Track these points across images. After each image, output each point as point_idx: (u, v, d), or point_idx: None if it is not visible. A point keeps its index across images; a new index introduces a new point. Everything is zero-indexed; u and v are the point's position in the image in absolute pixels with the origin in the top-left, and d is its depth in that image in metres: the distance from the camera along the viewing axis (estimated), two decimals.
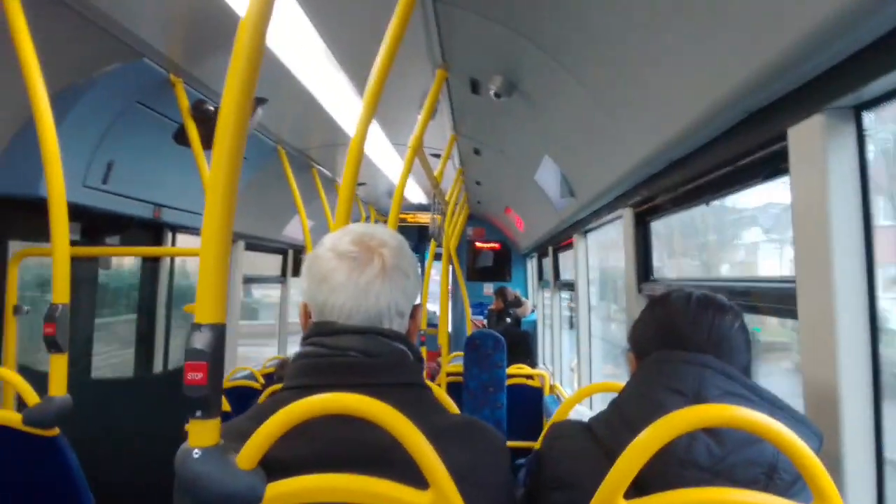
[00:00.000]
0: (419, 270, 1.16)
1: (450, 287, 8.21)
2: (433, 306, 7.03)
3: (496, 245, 8.59)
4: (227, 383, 4.53)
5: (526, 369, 5.11)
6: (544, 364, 6.84)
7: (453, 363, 5.15)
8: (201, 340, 0.95)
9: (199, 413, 0.95)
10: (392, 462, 0.94)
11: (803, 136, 1.28)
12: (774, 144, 1.43)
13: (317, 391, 0.94)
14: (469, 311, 6.39)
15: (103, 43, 2.50)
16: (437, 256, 5.82)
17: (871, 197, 1.21)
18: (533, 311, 7.12)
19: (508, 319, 6.50)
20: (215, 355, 0.95)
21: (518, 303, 6.63)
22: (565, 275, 5.64)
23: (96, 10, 2.28)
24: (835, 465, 1.20)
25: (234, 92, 0.98)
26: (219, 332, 0.96)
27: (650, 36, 1.58)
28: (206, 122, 2.86)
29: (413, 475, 0.92)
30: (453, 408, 1.72)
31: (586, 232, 4.11)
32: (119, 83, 2.77)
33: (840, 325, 1.21)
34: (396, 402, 0.94)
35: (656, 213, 2.48)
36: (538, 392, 4.97)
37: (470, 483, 0.98)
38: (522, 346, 5.91)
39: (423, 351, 5.18)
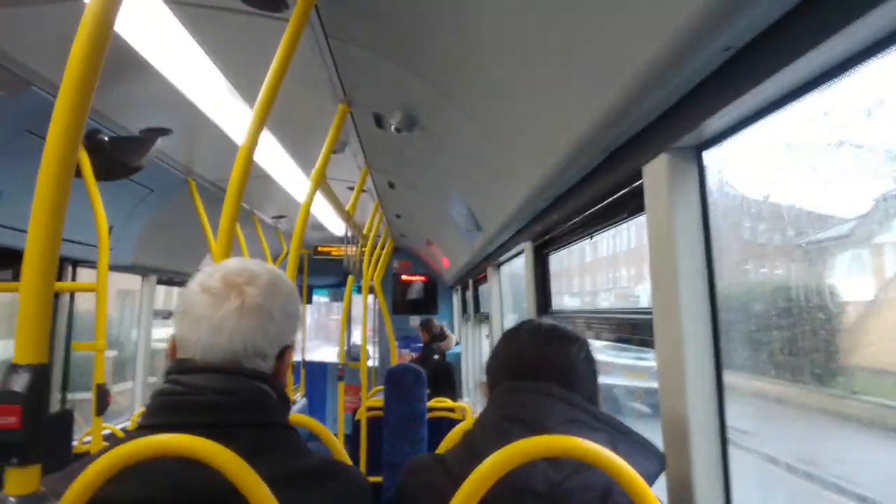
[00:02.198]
0: (295, 311, 1.12)
1: (375, 320, 8.19)
2: (356, 340, 6.95)
3: (422, 278, 8.60)
4: (132, 425, 4.33)
5: (447, 402, 5.09)
6: (468, 396, 6.83)
7: (376, 397, 5.09)
8: (18, 382, 0.91)
9: (14, 460, 0.90)
10: None
11: (654, 174, 1.34)
12: (634, 182, 1.49)
13: (168, 431, 0.91)
14: (394, 344, 6.35)
15: None
16: (360, 290, 5.78)
17: (711, 233, 1.27)
18: (457, 343, 7.13)
19: (436, 357, 6.47)
20: (32, 398, 0.91)
21: (443, 336, 6.63)
22: (486, 307, 5.68)
23: None
24: (687, 491, 1.23)
25: (67, 100, 0.95)
26: (39, 372, 0.92)
27: (526, 72, 1.64)
28: (100, 153, 2.78)
29: None
30: (336, 445, 1.68)
31: (499, 265, 4.17)
32: (7, 112, 2.67)
33: (688, 356, 1.25)
34: (248, 443, 0.91)
35: (553, 245, 2.53)
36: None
37: None
38: (445, 378, 5.89)
39: (342, 386, 5.11)
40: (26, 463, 0.91)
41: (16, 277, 3.47)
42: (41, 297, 0.94)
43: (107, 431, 3.42)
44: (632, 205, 1.59)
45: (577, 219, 2.05)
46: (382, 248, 6.07)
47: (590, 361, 1.19)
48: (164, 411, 0.99)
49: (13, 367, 0.92)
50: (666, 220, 1.29)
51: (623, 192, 1.60)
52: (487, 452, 0.96)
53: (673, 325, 1.28)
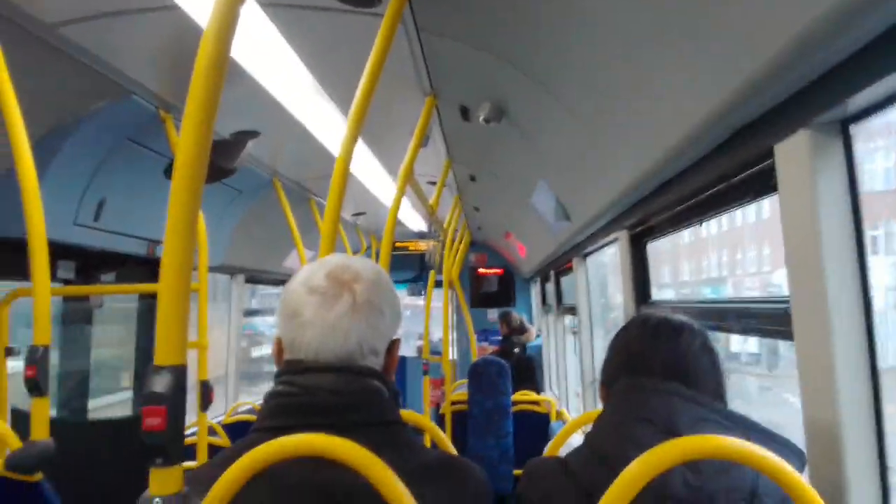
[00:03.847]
0: (398, 305, 1.11)
1: (454, 315, 8.19)
2: (437, 334, 6.97)
3: (499, 270, 8.54)
4: (227, 419, 4.47)
5: (531, 395, 5.02)
6: (551, 390, 6.74)
7: (458, 391, 5.09)
8: (160, 383, 0.91)
9: (159, 460, 0.90)
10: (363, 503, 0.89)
11: (790, 152, 1.25)
12: (762, 162, 1.39)
13: (286, 433, 0.91)
14: (474, 337, 6.33)
15: (91, 81, 2.49)
16: (439, 284, 5.78)
17: (861, 213, 1.17)
18: (538, 336, 7.05)
19: (517, 350, 6.41)
20: (175, 399, 0.91)
21: (522, 329, 6.56)
22: (570, 298, 5.58)
23: (82, 49, 2.28)
24: (837, 497, 1.14)
25: (195, 111, 0.96)
26: (179, 373, 0.93)
27: (633, 59, 1.56)
28: None
29: None
30: (444, 442, 1.66)
31: (585, 255, 4.07)
32: (108, 120, 2.77)
33: (837, 346, 1.16)
34: (368, 441, 0.90)
35: (652, 234, 2.43)
36: (545, 418, 4.88)
37: None
38: (527, 372, 5.83)
39: (426, 380, 5.12)
40: (170, 463, 0.91)
41: (120, 280, 3.62)
42: (178, 299, 0.95)
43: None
44: (757, 187, 1.49)
45: (684, 204, 1.95)
46: (461, 241, 6.05)
47: (709, 352, 1.13)
48: (282, 413, 0.99)
49: (155, 369, 0.93)
50: (806, 202, 1.20)
51: (746, 173, 1.50)
52: (614, 456, 0.94)
53: (818, 319, 1.18)
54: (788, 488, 0.87)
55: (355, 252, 6.96)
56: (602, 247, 3.48)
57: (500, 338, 6.55)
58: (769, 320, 1.49)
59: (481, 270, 8.54)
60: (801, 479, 0.87)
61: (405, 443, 1.02)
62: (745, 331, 1.59)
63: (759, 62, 1.12)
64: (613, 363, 1.21)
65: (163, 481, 0.91)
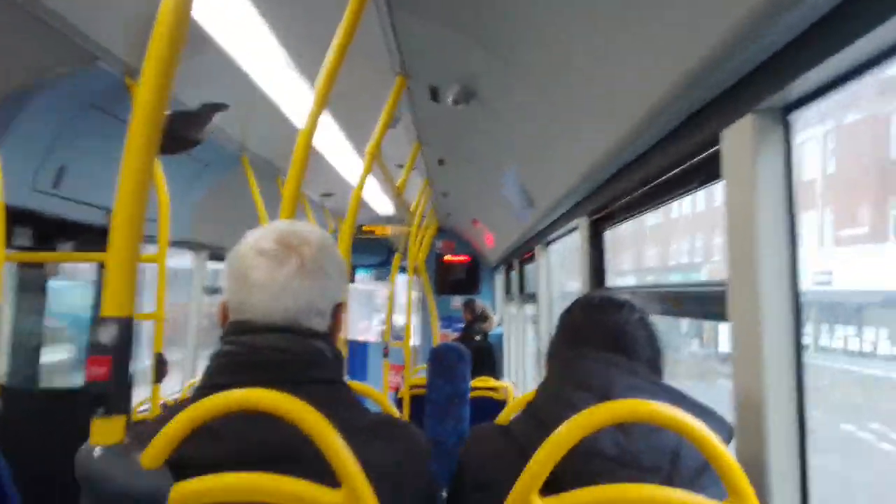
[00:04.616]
0: (344, 269, 1.15)
1: (418, 300, 8.21)
2: (400, 319, 6.99)
3: (465, 258, 8.59)
4: (184, 395, 4.44)
5: (490, 381, 5.09)
6: (510, 377, 6.82)
7: (418, 376, 5.12)
8: (106, 334, 0.92)
9: (101, 410, 0.91)
10: (304, 460, 0.92)
11: (735, 138, 1.30)
12: (710, 148, 1.44)
13: (231, 389, 0.92)
14: (437, 323, 6.37)
15: (56, 45, 2.45)
16: (404, 269, 5.80)
17: (796, 200, 1.22)
18: (499, 324, 7.11)
19: (478, 337, 6.46)
20: (120, 350, 0.93)
21: (485, 317, 6.61)
22: (532, 288, 5.65)
23: (49, 12, 2.24)
24: (760, 466, 1.20)
25: (152, 78, 0.96)
26: (125, 325, 0.94)
27: (594, 44, 1.60)
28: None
29: (326, 473, 0.90)
30: (395, 413, 1.70)
31: (547, 243, 4.13)
32: (73, 86, 2.72)
33: (767, 327, 1.21)
34: (311, 398, 0.92)
35: (610, 221, 2.49)
36: (502, 405, 4.95)
37: (388, 482, 0.96)
38: (487, 359, 5.88)
39: (386, 364, 5.15)
40: (113, 413, 0.92)
41: (78, 249, 3.56)
42: (126, 253, 0.96)
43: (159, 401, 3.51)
44: (705, 172, 1.54)
45: (640, 190, 2.00)
46: (428, 227, 6.07)
47: (645, 327, 1.20)
48: (228, 371, 1.01)
49: (101, 320, 0.94)
50: (747, 187, 1.25)
51: (696, 159, 1.55)
52: (554, 420, 0.97)
53: (751, 301, 1.24)
54: (707, 451, 0.93)
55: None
56: (563, 234, 3.53)
57: (462, 325, 6.60)
58: (709, 303, 1.55)
59: (448, 258, 8.57)
60: (718, 444, 0.92)
61: (348, 402, 1.05)
62: (688, 313, 1.65)
63: (707, 47, 1.16)
64: (557, 338, 1.28)
65: (104, 431, 0.91)
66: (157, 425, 0.95)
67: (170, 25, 0.97)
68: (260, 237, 1.07)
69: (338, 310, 1.11)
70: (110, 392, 0.92)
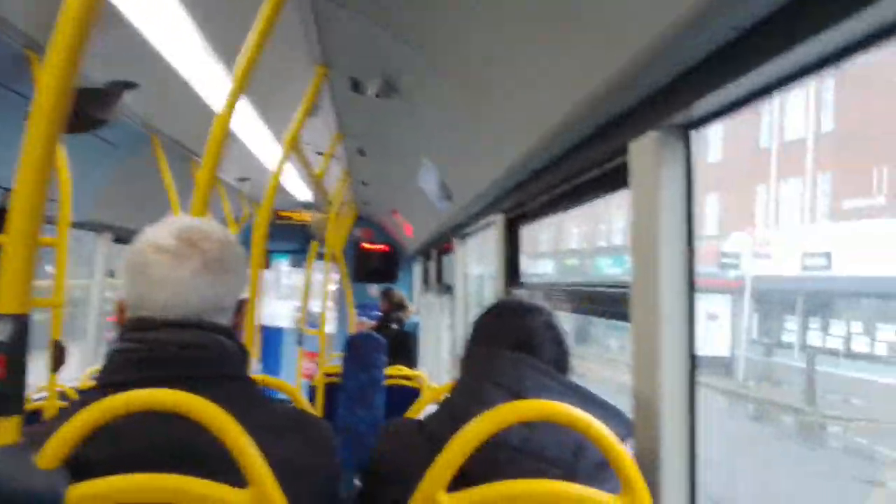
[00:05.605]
0: (245, 266, 1.15)
1: (335, 288, 8.15)
2: (316, 307, 6.92)
3: (384, 247, 8.57)
4: (82, 384, 4.24)
5: (404, 370, 5.12)
6: (425, 366, 6.89)
7: (333, 363, 5.10)
8: (1, 332, 0.89)
9: None
10: (210, 460, 0.91)
11: (641, 150, 1.37)
12: (619, 157, 1.51)
13: (132, 387, 0.91)
14: (353, 311, 6.34)
15: None
16: (322, 256, 5.74)
17: (693, 211, 1.31)
18: (416, 314, 7.15)
19: (395, 326, 6.48)
20: (15, 348, 0.89)
21: (402, 306, 6.63)
22: (450, 279, 5.71)
23: None
24: (654, 461, 1.28)
25: (60, 52, 0.92)
26: (21, 323, 0.90)
27: (513, 48, 1.64)
28: None
29: (233, 473, 0.90)
30: (307, 407, 1.70)
31: (464, 236, 4.19)
32: None
33: (664, 329, 1.29)
34: (215, 395, 0.91)
35: (525, 219, 2.56)
36: (417, 393, 4.99)
37: (295, 478, 0.97)
38: (403, 348, 5.91)
39: (300, 351, 5.10)
40: (8, 413, 0.89)
41: None
42: (27, 248, 0.92)
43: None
44: (615, 180, 1.61)
45: (555, 192, 2.07)
46: (346, 215, 6.03)
47: (551, 328, 1.28)
48: (128, 367, 0.99)
49: None
50: (651, 196, 1.32)
51: (607, 167, 1.62)
52: (468, 415, 1.01)
53: (651, 302, 1.32)
54: (604, 448, 1.00)
55: (236, 219, 6.76)
56: (480, 229, 3.59)
57: (379, 313, 6.60)
58: (615, 303, 1.63)
59: (366, 245, 8.53)
60: (615, 441, 1.00)
61: (252, 398, 1.05)
62: (597, 312, 1.73)
63: (620, 62, 1.22)
64: (472, 339, 1.35)
65: None
66: (52, 425, 0.92)
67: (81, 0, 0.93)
68: (159, 233, 1.06)
69: (241, 305, 1.12)
70: (5, 392, 0.89)
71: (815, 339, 17.04)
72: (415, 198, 4.55)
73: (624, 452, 1.00)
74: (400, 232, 7.38)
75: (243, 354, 1.08)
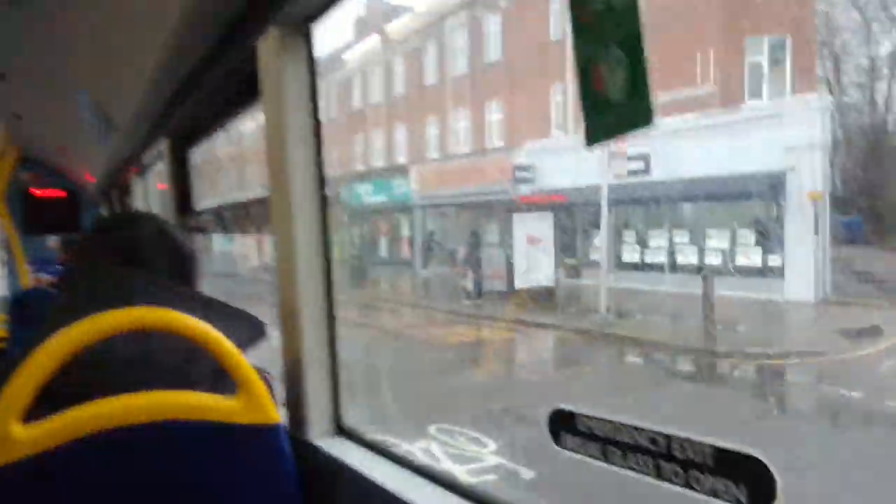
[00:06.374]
0: None
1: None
2: None
3: (62, 192, 7.48)
4: None
5: None
6: None
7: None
8: None
9: None
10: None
11: (267, 51, 1.30)
12: (254, 63, 1.43)
13: None
14: (25, 268, 5.51)
15: None
16: None
17: (318, 112, 1.29)
18: None
19: None
20: None
21: None
22: None
23: None
24: (298, 365, 1.29)
25: None
26: None
27: None
28: None
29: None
30: None
31: (144, 170, 3.81)
32: None
33: (300, 236, 1.28)
34: None
35: (190, 141, 2.37)
36: None
37: None
38: None
39: None
40: None
41: None
42: None
43: None
44: (254, 86, 1.53)
45: (209, 108, 1.93)
46: (4, 155, 5.12)
47: (166, 238, 1.20)
48: None
49: None
50: (279, 100, 1.27)
51: (246, 72, 1.52)
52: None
53: (287, 212, 1.29)
54: (216, 352, 0.97)
55: None
56: (158, 158, 3.28)
57: (60, 266, 5.83)
58: (258, 219, 1.58)
59: (38, 192, 7.37)
60: (226, 344, 0.97)
61: None
62: (245, 230, 1.66)
63: None
64: (75, 260, 1.25)
65: None
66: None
67: None
68: None
69: None
70: None
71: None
72: (81, 131, 4.00)
73: (238, 355, 0.97)
74: (80, 175, 6.51)
75: None
